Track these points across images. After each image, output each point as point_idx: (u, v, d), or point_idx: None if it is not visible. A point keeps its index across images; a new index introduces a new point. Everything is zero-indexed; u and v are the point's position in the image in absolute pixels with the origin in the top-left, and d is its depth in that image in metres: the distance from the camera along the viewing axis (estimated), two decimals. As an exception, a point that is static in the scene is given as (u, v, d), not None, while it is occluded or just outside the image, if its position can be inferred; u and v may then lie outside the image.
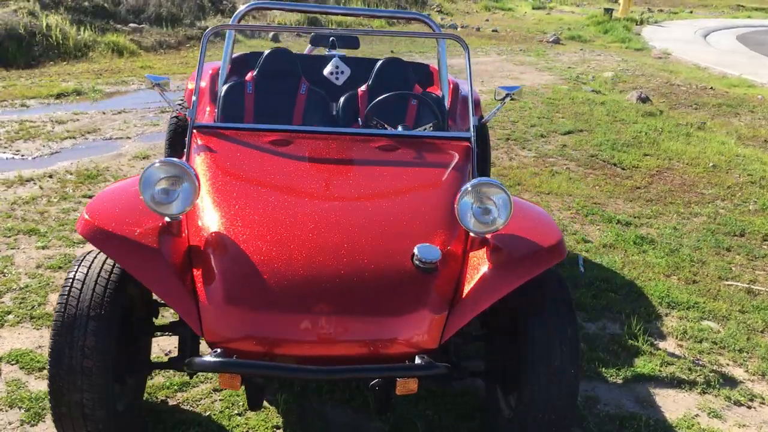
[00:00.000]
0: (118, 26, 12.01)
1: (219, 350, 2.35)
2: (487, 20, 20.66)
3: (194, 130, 3.21)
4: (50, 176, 5.67)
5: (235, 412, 3.00)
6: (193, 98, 3.29)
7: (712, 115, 9.52)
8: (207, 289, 2.41)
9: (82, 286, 2.42)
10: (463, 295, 2.50)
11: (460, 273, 2.59)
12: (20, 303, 3.74)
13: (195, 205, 2.66)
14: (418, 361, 2.34)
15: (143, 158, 6.27)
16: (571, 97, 9.90)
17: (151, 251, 2.43)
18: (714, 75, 13.27)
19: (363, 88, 4.26)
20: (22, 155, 6.18)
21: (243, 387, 2.50)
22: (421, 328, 2.43)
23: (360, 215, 2.74)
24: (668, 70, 13.26)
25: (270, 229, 2.61)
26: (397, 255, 2.55)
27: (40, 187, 5.43)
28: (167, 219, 2.54)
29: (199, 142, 3.17)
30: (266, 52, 4.26)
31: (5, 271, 4.09)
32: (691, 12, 30.20)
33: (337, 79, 3.67)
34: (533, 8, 26.31)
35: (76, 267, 2.50)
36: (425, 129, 3.67)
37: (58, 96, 8.28)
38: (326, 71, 3.85)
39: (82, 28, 11.23)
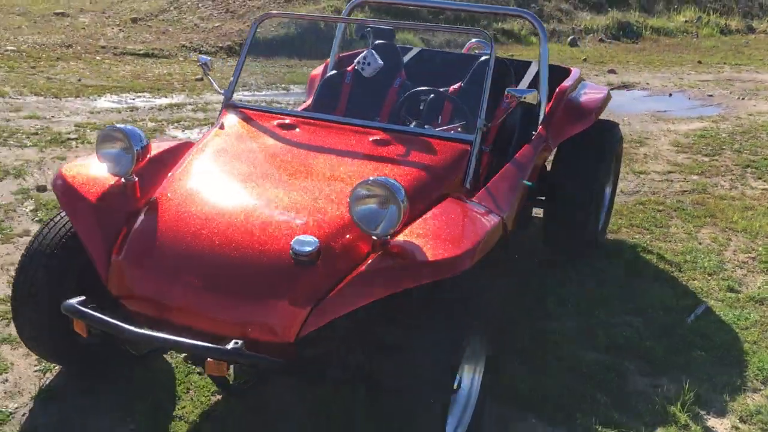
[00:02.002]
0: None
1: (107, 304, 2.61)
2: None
3: (223, 108, 3.47)
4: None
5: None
6: (231, 79, 3.55)
7: None
8: (120, 245, 2.67)
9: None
10: (331, 294, 2.42)
11: (343, 272, 2.49)
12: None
13: (171, 173, 2.96)
14: (230, 345, 2.33)
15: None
16: None
17: (89, 203, 2.78)
18: None
19: (455, 86, 4.14)
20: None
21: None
22: (278, 318, 2.44)
23: (284, 201, 2.76)
24: None
25: (199, 203, 2.78)
26: (281, 242, 2.54)
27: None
28: (122, 180, 2.85)
29: (220, 119, 3.43)
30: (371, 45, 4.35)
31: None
32: None
33: (363, 69, 3.64)
34: None
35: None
36: (449, 128, 3.46)
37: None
38: (355, 60, 3.85)
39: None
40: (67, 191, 2.84)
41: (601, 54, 13.39)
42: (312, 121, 3.39)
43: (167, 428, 2.90)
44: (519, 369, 3.38)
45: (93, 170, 2.92)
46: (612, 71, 11.38)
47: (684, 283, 4.39)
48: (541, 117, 4.02)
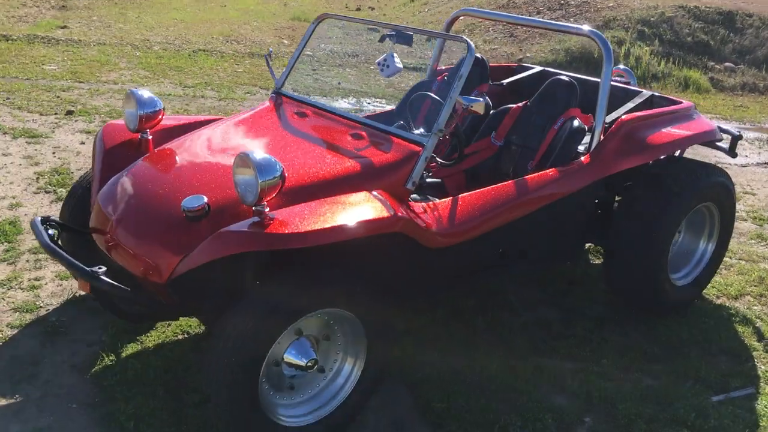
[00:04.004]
0: (711, 63, 11.77)
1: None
2: None
3: (272, 93, 3.97)
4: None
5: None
6: (284, 70, 4.01)
7: None
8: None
9: None
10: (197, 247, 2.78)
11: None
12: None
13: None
14: (95, 269, 2.83)
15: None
16: None
17: (104, 151, 3.52)
18: None
19: (520, 104, 4.13)
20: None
21: None
22: (158, 262, 2.88)
23: (218, 168, 3.16)
24: None
25: (163, 159, 3.33)
26: (182, 199, 2.97)
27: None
28: (139, 136, 3.54)
29: (263, 101, 3.94)
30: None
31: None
32: None
33: (382, 70, 3.75)
34: None
35: None
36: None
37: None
38: (376, 61, 3.94)
39: (663, 61, 11.52)
40: (98, 140, 3.59)
41: None
42: (323, 112, 3.70)
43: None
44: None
45: (123, 128, 3.63)
46: None
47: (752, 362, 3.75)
48: (594, 144, 3.78)
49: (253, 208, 2.73)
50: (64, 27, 11.86)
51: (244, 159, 2.74)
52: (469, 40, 3.40)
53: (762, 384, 3.61)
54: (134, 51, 10.73)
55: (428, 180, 3.91)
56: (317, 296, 2.74)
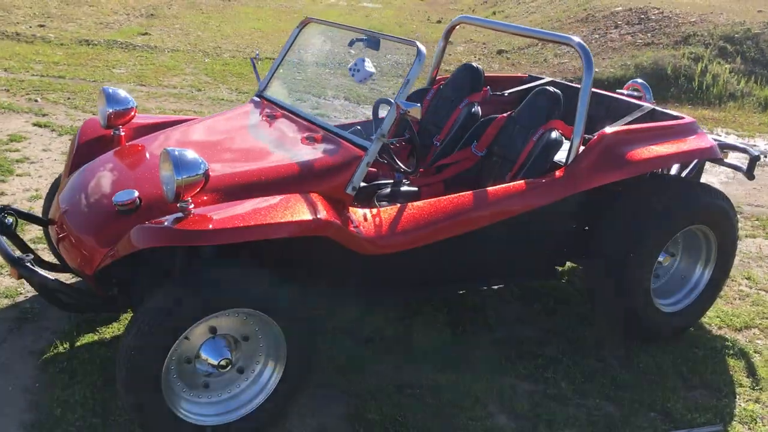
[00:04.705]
0: (799, 83, 11.05)
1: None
2: None
3: (254, 96, 4.03)
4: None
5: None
6: (266, 74, 4.05)
7: None
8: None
9: None
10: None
11: None
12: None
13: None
14: (22, 256, 2.95)
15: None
16: None
17: (77, 146, 3.66)
18: None
19: (505, 114, 4.04)
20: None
21: None
22: (89, 254, 2.97)
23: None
24: None
25: (122, 155, 3.46)
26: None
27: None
28: (112, 132, 3.67)
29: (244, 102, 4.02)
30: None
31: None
32: None
33: (353, 75, 3.69)
34: None
35: None
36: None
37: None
38: (348, 67, 3.88)
39: (744, 79, 10.90)
40: (76, 136, 3.74)
41: None
42: (291, 115, 3.71)
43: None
44: None
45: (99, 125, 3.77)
46: None
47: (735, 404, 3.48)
48: (571, 157, 3.61)
49: (178, 205, 2.77)
50: (145, 34, 12.44)
51: (164, 156, 2.79)
52: (420, 45, 3.33)
53: (735, 423, 3.34)
54: (203, 58, 11.12)
55: (404, 189, 3.86)
56: (225, 295, 2.74)
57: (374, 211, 3.21)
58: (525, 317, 4.12)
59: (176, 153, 2.76)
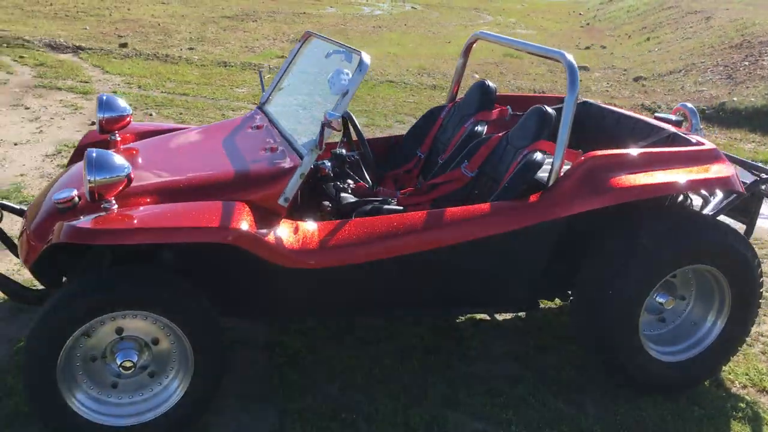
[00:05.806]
0: None
1: None
2: None
3: (256, 108, 4.12)
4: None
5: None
6: (268, 87, 4.12)
7: None
8: None
9: None
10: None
11: None
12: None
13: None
14: None
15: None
16: None
17: (76, 150, 3.92)
18: None
19: (500, 134, 3.85)
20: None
21: None
22: (32, 248, 3.14)
23: None
24: None
25: None
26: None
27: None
28: (108, 137, 3.89)
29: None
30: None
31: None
32: None
33: (330, 87, 3.58)
34: None
35: None
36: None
37: None
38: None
39: None
40: (80, 141, 3.99)
41: None
42: (271, 126, 3.73)
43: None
44: None
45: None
46: None
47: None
48: (552, 180, 3.33)
49: (102, 205, 2.87)
50: (282, 57, 13.05)
51: (84, 156, 2.90)
52: (364, 55, 3.22)
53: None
54: (328, 79, 11.46)
55: (387, 207, 3.75)
56: (120, 296, 2.78)
57: (312, 225, 3.13)
58: (513, 352, 3.82)
59: (94, 154, 2.85)
